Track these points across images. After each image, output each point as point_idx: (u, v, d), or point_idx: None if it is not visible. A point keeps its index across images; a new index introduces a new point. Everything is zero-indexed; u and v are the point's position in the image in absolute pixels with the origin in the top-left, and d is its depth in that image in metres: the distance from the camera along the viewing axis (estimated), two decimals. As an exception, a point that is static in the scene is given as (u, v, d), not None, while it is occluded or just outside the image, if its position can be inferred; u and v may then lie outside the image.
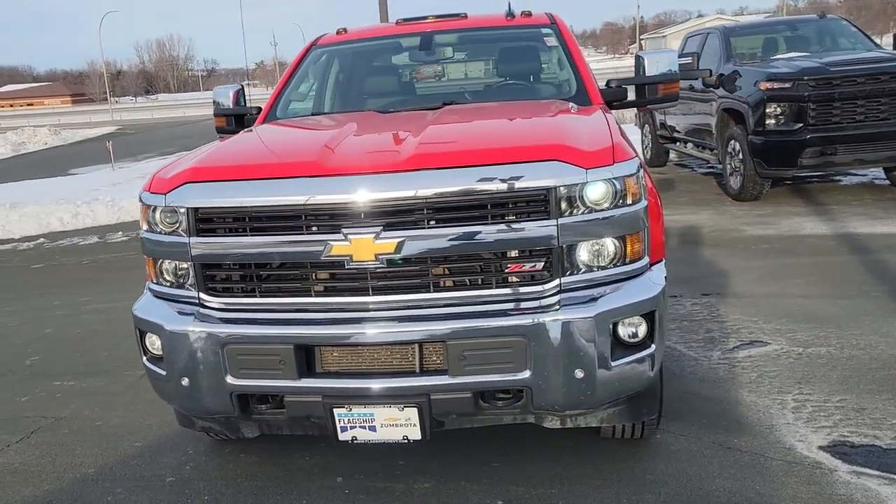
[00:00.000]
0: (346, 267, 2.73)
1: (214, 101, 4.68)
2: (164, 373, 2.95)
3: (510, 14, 4.59)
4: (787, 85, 8.24)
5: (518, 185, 2.67)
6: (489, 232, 2.68)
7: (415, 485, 3.26)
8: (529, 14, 4.59)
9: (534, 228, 2.68)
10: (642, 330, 2.85)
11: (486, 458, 3.43)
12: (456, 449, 3.50)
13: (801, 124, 8.19)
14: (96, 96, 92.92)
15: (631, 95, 4.32)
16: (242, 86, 4.71)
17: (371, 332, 2.74)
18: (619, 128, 3.29)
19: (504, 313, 2.72)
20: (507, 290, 2.75)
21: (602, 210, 2.74)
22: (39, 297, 6.98)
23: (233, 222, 2.81)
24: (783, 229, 7.61)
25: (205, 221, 2.83)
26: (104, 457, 3.71)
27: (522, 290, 2.75)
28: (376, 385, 2.77)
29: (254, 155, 3.20)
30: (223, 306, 2.88)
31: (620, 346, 2.82)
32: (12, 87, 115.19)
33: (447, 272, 2.76)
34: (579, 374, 2.72)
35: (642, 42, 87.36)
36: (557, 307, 2.71)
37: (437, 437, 3.30)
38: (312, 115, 4.40)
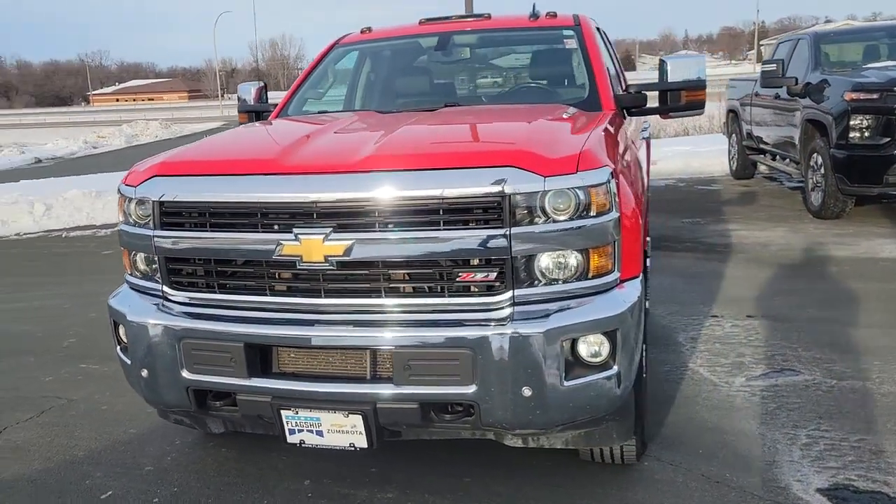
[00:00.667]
0: (298, 267, 2.73)
1: (239, 98, 4.80)
2: (129, 362, 3.04)
3: (534, 15, 4.49)
4: (874, 96, 7.70)
5: (470, 190, 2.59)
6: (440, 238, 2.62)
7: (378, 493, 3.23)
8: (555, 15, 4.47)
9: (485, 237, 2.60)
10: (604, 349, 2.71)
11: (457, 472, 3.35)
12: (427, 461, 3.44)
13: (888, 139, 7.64)
14: (210, 93, 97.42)
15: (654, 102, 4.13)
16: (265, 83, 4.80)
17: (317, 335, 2.73)
18: (612, 135, 3.16)
19: (452, 323, 2.65)
20: (458, 300, 2.68)
21: (562, 221, 2.63)
22: (95, 282, 7.35)
23: (194, 217, 2.86)
24: (859, 251, 7.11)
25: (169, 215, 2.89)
26: (97, 441, 3.86)
27: (473, 300, 2.67)
28: (321, 389, 2.75)
29: (225, 151, 3.26)
30: (185, 300, 2.94)
31: (577, 366, 2.69)
32: (136, 82, 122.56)
33: (398, 278, 2.71)
34: (527, 391, 2.62)
35: (762, 48, 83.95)
36: (507, 321, 2.61)
37: (410, 446, 3.28)
38: (321, 112, 4.43)
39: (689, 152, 14.35)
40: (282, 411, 2.80)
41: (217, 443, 3.74)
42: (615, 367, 2.72)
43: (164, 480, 3.43)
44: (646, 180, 4.34)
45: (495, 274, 2.65)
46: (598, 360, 2.72)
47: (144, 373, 2.96)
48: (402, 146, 2.93)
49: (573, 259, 2.68)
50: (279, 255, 2.72)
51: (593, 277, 2.72)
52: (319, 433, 2.80)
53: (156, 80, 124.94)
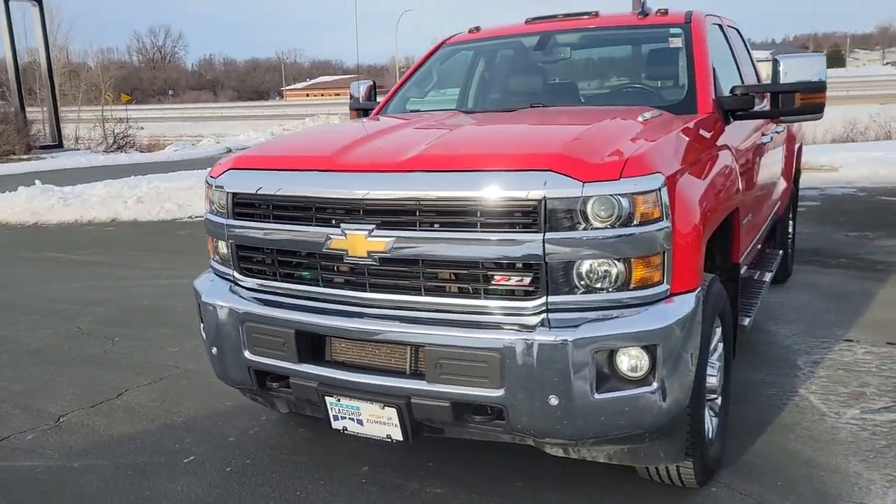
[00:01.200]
0: (344, 261, 2.85)
1: (350, 96, 5.03)
2: (204, 339, 3.31)
3: (643, 13, 4.34)
4: None
5: (507, 193, 2.59)
6: (474, 240, 2.64)
7: (428, 487, 3.30)
8: (665, 12, 4.30)
9: (520, 241, 2.59)
10: (643, 364, 2.62)
11: (510, 476, 3.35)
12: (483, 461, 3.47)
13: None
14: (391, 87, 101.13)
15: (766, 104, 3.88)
16: (374, 81, 4.98)
17: (358, 328, 2.84)
18: (688, 140, 3.04)
19: (484, 326, 2.67)
20: (492, 303, 2.69)
21: (601, 228, 2.56)
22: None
23: (259, 208, 3.07)
24: None
25: (239, 206, 3.12)
26: (197, 410, 4.23)
27: (507, 304, 2.67)
28: (360, 380, 2.86)
29: (293, 147, 3.43)
30: (252, 286, 3.17)
31: (612, 378, 2.62)
32: (324, 78, 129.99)
33: (434, 277, 2.76)
34: (554, 400, 2.58)
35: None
36: (537, 327, 2.59)
37: (471, 446, 3.31)
38: (414, 111, 4.52)
39: (880, 158, 13.12)
40: (326, 398, 2.95)
41: (296, 423, 3.98)
42: (654, 384, 2.61)
43: (241, 452, 3.70)
44: (749, 186, 4.08)
45: (530, 279, 2.63)
46: (636, 374, 2.63)
47: (214, 350, 3.22)
48: (448, 147, 2.98)
49: (614, 268, 2.60)
50: (328, 249, 2.86)
51: (636, 288, 2.63)
52: (360, 422, 2.92)
53: (342, 77, 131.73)
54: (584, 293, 2.62)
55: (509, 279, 2.66)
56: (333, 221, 2.86)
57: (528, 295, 2.65)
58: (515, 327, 2.62)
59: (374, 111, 4.64)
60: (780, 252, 5.75)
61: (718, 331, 3.28)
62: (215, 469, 3.56)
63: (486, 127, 3.36)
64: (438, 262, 2.72)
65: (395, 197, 2.74)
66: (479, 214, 2.64)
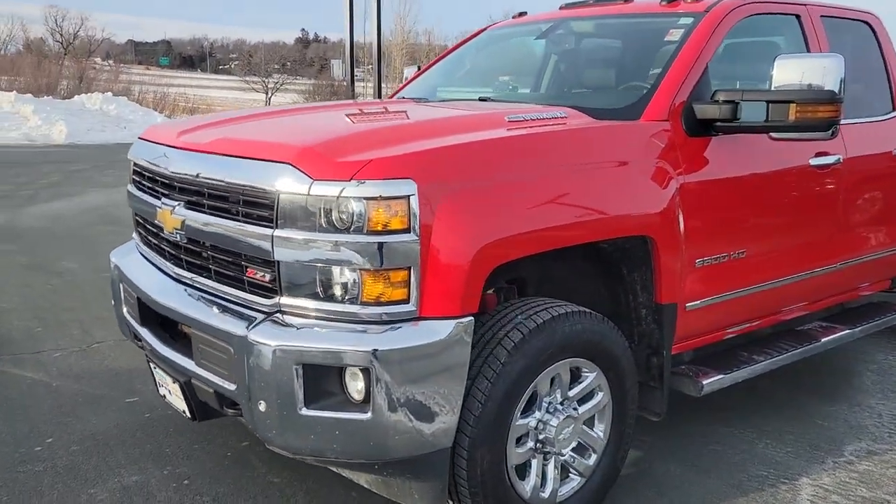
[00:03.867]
0: (164, 234, 2.99)
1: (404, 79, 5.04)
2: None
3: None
4: None
5: (251, 183, 2.55)
6: (233, 229, 2.63)
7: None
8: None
9: (258, 234, 2.52)
10: (359, 388, 2.41)
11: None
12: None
13: None
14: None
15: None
16: (419, 66, 4.92)
17: (159, 301, 2.97)
18: (524, 147, 2.67)
19: (233, 316, 2.64)
20: (245, 295, 2.66)
21: (331, 232, 2.40)
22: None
23: (134, 175, 3.33)
24: None
25: (135, 174, 3.40)
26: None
27: (253, 298, 2.63)
28: (164, 352, 2.99)
29: (182, 122, 3.60)
30: (137, 249, 3.45)
31: (325, 396, 2.45)
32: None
33: (206, 260, 2.80)
34: (262, 406, 2.49)
35: None
36: (257, 326, 2.51)
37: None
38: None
39: None
40: (150, 363, 3.13)
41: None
42: (369, 413, 2.38)
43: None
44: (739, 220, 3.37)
45: (268, 276, 2.54)
46: (352, 397, 2.43)
47: (113, 302, 3.55)
48: (245, 132, 2.96)
49: (348, 278, 2.42)
50: (155, 221, 3.03)
51: (374, 304, 2.42)
52: (169, 392, 3.05)
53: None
54: (321, 300, 2.47)
55: (256, 273, 2.60)
56: (159, 194, 3.02)
57: (268, 292, 2.56)
58: (246, 324, 2.56)
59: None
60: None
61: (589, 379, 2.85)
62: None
63: (321, 114, 3.29)
64: (207, 245, 2.76)
65: (182, 175, 2.83)
66: (237, 202, 2.62)
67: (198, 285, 2.88)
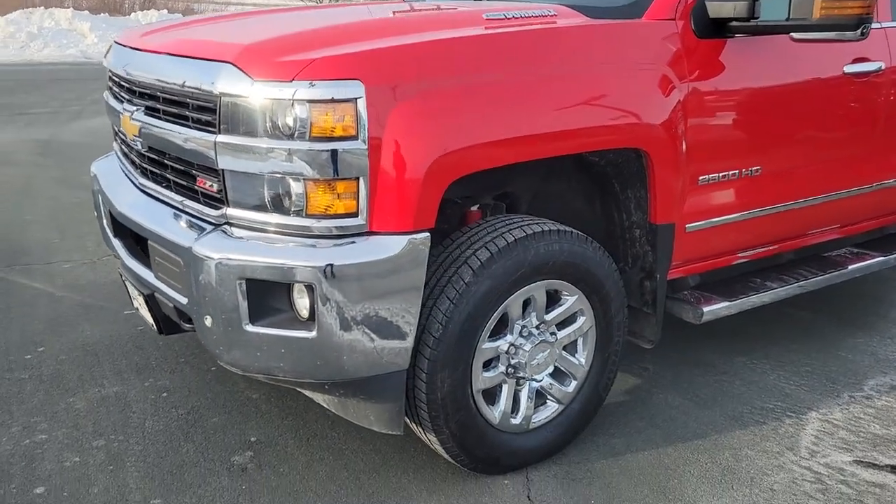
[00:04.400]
0: (129, 142, 2.87)
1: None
2: None
3: None
4: None
5: (194, 83, 2.39)
6: (179, 134, 2.49)
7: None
8: None
9: (200, 141, 2.38)
10: (304, 305, 2.28)
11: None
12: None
13: None
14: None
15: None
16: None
17: (120, 210, 2.87)
18: (504, 47, 2.44)
19: (187, 228, 2.52)
20: (197, 206, 2.53)
21: (273, 137, 2.23)
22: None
23: (109, 81, 3.19)
24: None
25: (109, 79, 3.27)
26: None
27: (203, 209, 2.49)
28: (130, 264, 2.90)
29: (163, 24, 3.41)
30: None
31: (271, 312, 2.33)
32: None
33: (161, 167, 2.68)
34: (208, 321, 2.39)
35: None
36: (202, 237, 2.39)
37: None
38: None
39: None
40: (121, 275, 3.07)
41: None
42: (314, 332, 2.26)
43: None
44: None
45: (216, 185, 2.40)
46: (302, 314, 2.30)
47: (95, 214, 3.47)
48: (201, 33, 2.77)
49: (293, 189, 2.26)
50: (120, 128, 2.90)
51: (321, 217, 2.26)
52: (139, 306, 2.98)
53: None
54: (267, 212, 2.32)
55: (205, 183, 2.46)
56: (122, 99, 2.88)
57: (216, 203, 2.43)
58: (195, 235, 2.43)
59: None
60: None
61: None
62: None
63: (281, 17, 3.05)
64: (166, 154, 2.62)
65: (139, 77, 2.70)
66: (186, 106, 2.47)
67: (158, 196, 2.76)
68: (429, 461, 2.79)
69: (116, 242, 3.06)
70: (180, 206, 2.62)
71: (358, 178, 2.22)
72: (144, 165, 2.81)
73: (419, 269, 2.30)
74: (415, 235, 2.28)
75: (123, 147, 3.06)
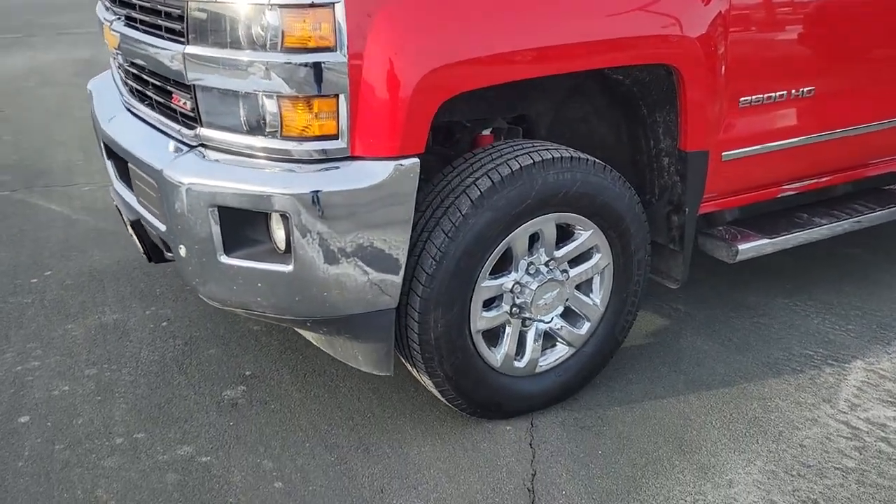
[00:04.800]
0: (112, 50, 2.67)
1: None
2: None
3: None
4: None
5: None
6: (151, 45, 2.28)
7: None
8: None
9: (170, 53, 2.17)
10: (280, 236, 2.08)
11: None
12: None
13: None
14: None
15: None
16: None
17: (104, 130, 2.70)
18: None
19: (155, 149, 2.33)
20: (175, 126, 2.32)
21: (244, 49, 2.00)
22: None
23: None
24: None
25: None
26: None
27: (180, 129, 2.29)
28: (116, 186, 2.75)
29: None
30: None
31: (248, 243, 2.15)
32: None
33: (140, 83, 2.47)
34: (182, 250, 2.22)
35: None
36: (174, 161, 2.19)
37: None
38: None
39: None
40: (113, 199, 2.91)
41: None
42: (290, 265, 2.07)
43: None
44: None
45: (190, 104, 2.19)
46: (279, 246, 2.11)
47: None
48: None
49: (263, 106, 2.04)
50: (105, 40, 2.70)
51: (299, 139, 2.05)
52: (132, 233, 2.83)
53: None
54: (241, 133, 2.11)
55: (179, 100, 2.25)
56: (107, 7, 2.68)
57: (191, 122, 2.22)
58: (170, 158, 2.24)
59: None
60: None
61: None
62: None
63: None
64: (144, 68, 2.41)
65: None
66: (158, 14, 2.24)
67: (142, 115, 2.57)
68: (427, 403, 2.62)
69: (109, 164, 2.90)
70: (163, 127, 2.43)
71: (337, 96, 1.98)
72: (128, 82, 2.62)
73: (407, 198, 2.08)
74: (402, 161, 2.04)
75: (114, 63, 2.87)
